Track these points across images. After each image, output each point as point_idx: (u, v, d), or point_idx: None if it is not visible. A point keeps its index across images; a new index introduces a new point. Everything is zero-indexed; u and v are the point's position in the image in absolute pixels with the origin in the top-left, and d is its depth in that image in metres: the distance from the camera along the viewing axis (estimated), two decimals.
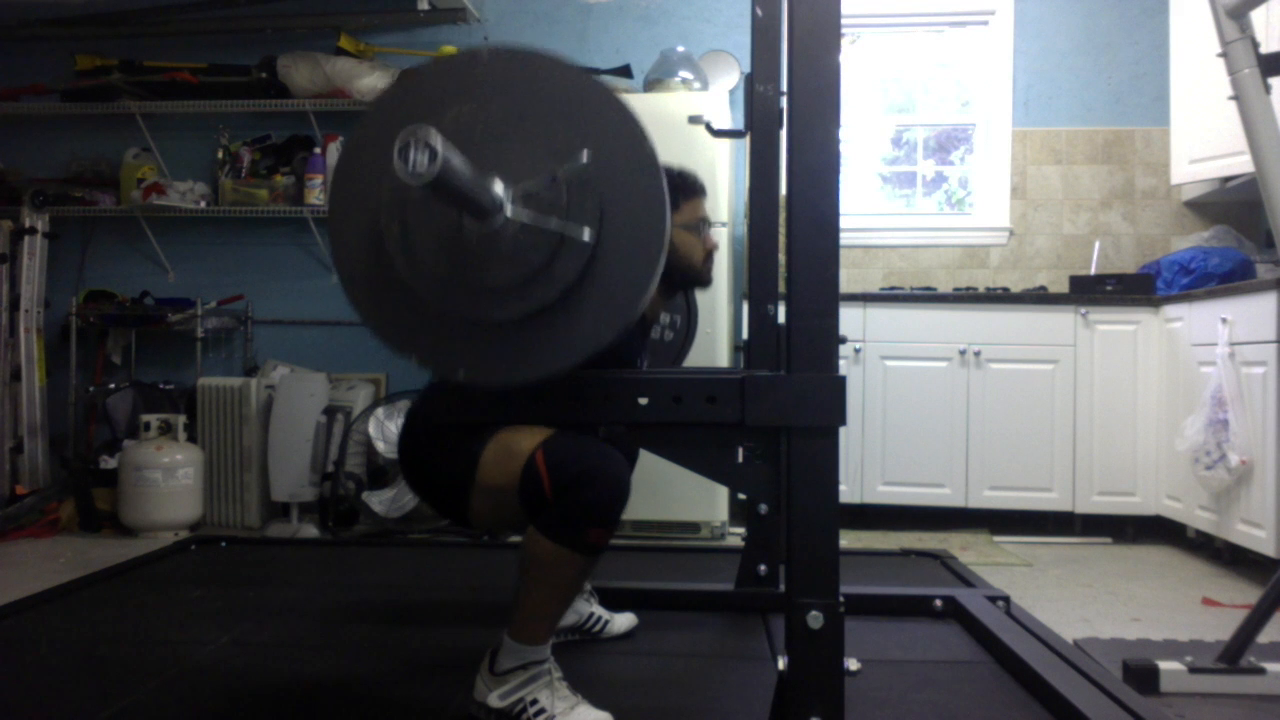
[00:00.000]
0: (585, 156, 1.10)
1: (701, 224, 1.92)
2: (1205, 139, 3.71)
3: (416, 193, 1.12)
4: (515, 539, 1.64)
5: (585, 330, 1.14)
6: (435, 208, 1.12)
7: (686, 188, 1.88)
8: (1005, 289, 3.86)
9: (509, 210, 1.09)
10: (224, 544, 3.14)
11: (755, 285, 2.20)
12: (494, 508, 1.64)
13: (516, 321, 1.14)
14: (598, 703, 1.58)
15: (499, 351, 1.15)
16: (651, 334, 2.16)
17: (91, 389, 4.19)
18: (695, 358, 3.40)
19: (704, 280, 1.96)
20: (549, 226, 1.10)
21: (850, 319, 3.63)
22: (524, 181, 1.11)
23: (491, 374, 1.17)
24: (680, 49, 3.93)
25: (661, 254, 1.13)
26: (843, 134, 1.19)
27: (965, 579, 2.60)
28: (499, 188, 1.09)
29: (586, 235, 1.10)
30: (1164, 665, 1.94)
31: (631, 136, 1.13)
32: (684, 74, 3.83)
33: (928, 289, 3.96)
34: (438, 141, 0.90)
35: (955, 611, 2.25)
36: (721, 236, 3.48)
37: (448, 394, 1.48)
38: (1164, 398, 3.47)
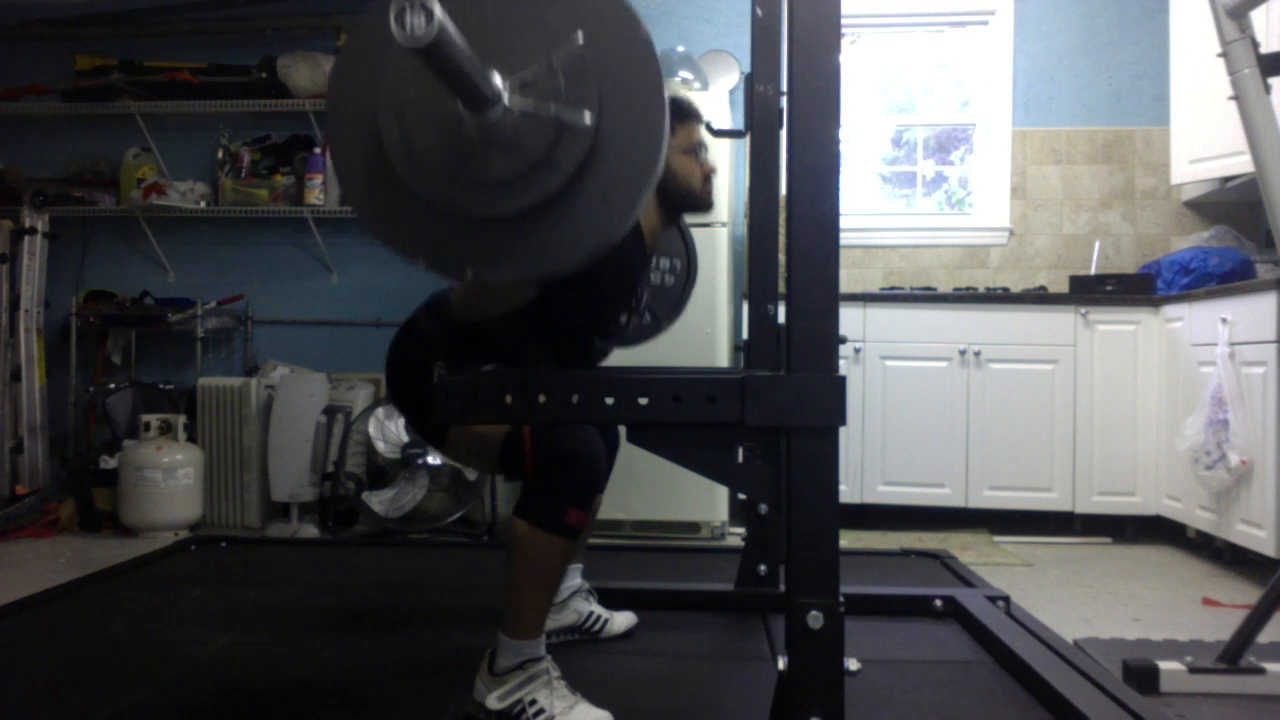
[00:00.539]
0: (580, 38, 1.10)
1: (698, 148, 1.90)
2: (1205, 139, 3.72)
3: (414, 91, 1.12)
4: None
5: (592, 222, 1.14)
6: (433, 103, 1.11)
7: (681, 112, 1.86)
8: (1005, 289, 3.86)
9: (506, 100, 1.09)
10: (224, 544, 3.14)
11: (755, 285, 2.20)
12: (471, 449, 1.70)
13: (521, 216, 1.13)
14: (598, 703, 1.59)
15: (505, 248, 1.15)
16: (653, 278, 2.16)
17: (91, 389, 4.19)
18: (695, 358, 3.41)
19: (704, 204, 1.94)
20: (549, 113, 1.09)
21: (850, 319, 3.63)
22: (521, 71, 1.11)
23: (499, 272, 1.16)
24: (680, 49, 3.93)
25: (663, 137, 1.13)
26: (843, 134, 1.19)
27: (965, 579, 2.60)
28: (496, 79, 1.09)
29: (587, 119, 1.09)
30: (1164, 665, 1.94)
31: (625, 20, 1.12)
32: (684, 74, 3.83)
33: (928, 289, 3.96)
34: (434, 2, 0.89)
35: (955, 611, 2.25)
36: (721, 236, 3.48)
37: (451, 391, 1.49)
38: (1164, 398, 3.47)
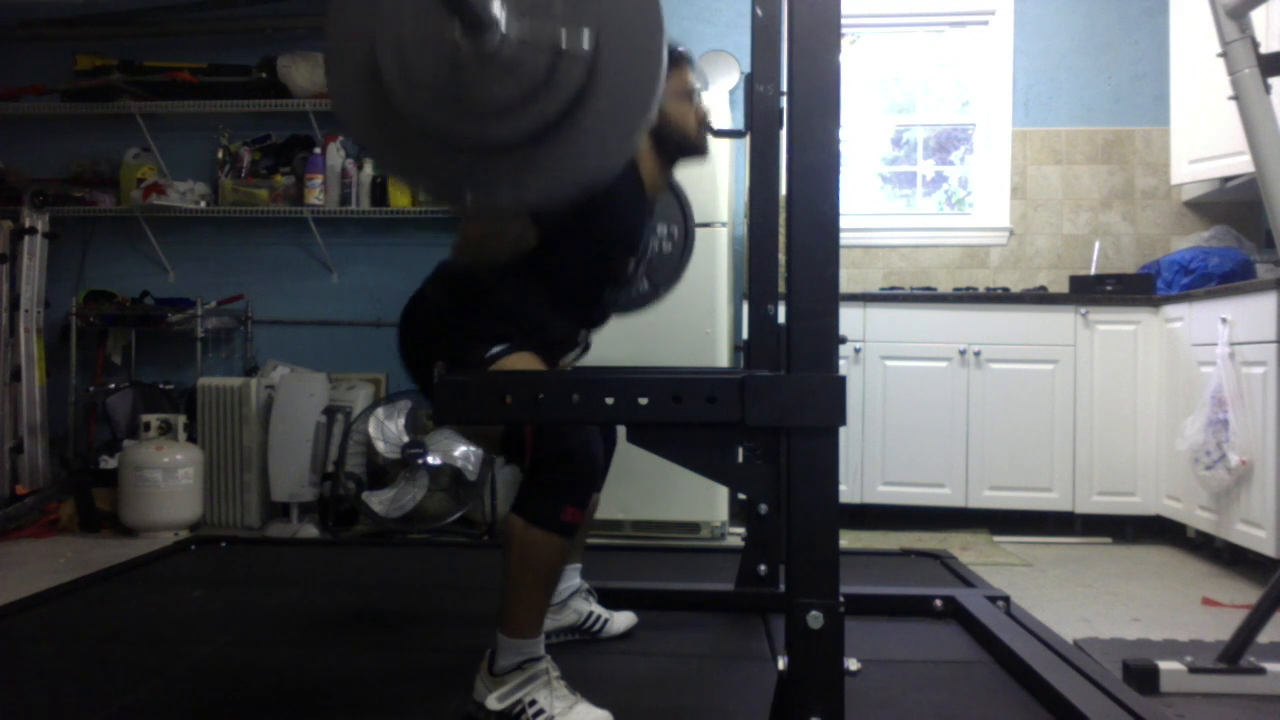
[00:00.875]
0: None
1: (692, 93, 1.89)
2: (1205, 139, 3.72)
3: (412, 20, 1.13)
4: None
5: (590, 149, 1.14)
6: (431, 30, 1.12)
7: (673, 57, 1.84)
8: (1005, 289, 3.86)
9: (504, 25, 1.09)
10: (224, 544, 3.14)
11: (755, 285, 2.20)
12: (479, 429, 1.73)
13: (520, 143, 1.14)
14: (598, 703, 1.59)
15: (504, 175, 1.15)
16: (651, 243, 2.16)
17: (91, 389, 4.19)
18: (695, 358, 3.41)
19: (700, 148, 1.93)
20: (547, 37, 1.09)
21: (850, 319, 3.63)
22: None
23: (499, 198, 1.17)
24: (680, 49, 3.92)
25: (661, 61, 1.13)
26: (843, 134, 1.19)
27: (965, 579, 2.60)
28: (495, 4, 1.09)
29: (586, 43, 1.09)
30: (1164, 665, 1.94)
31: None
32: None
33: (928, 289, 3.96)
34: None
35: (955, 611, 2.25)
36: (721, 236, 3.48)
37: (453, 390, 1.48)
38: (1164, 398, 3.47)
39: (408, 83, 1.13)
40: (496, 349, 1.62)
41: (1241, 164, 3.47)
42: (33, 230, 4.01)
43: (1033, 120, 4.19)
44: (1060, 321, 3.60)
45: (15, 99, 4.33)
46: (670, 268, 2.24)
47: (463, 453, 3.57)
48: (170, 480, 3.58)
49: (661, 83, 1.13)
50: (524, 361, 1.63)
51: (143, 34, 4.35)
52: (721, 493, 3.52)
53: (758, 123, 2.14)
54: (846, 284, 4.07)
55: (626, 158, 1.16)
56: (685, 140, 1.89)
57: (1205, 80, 3.62)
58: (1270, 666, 1.93)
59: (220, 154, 4.27)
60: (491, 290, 1.67)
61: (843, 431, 1.20)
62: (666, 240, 2.23)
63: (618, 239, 1.80)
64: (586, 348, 1.94)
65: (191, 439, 3.80)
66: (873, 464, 3.67)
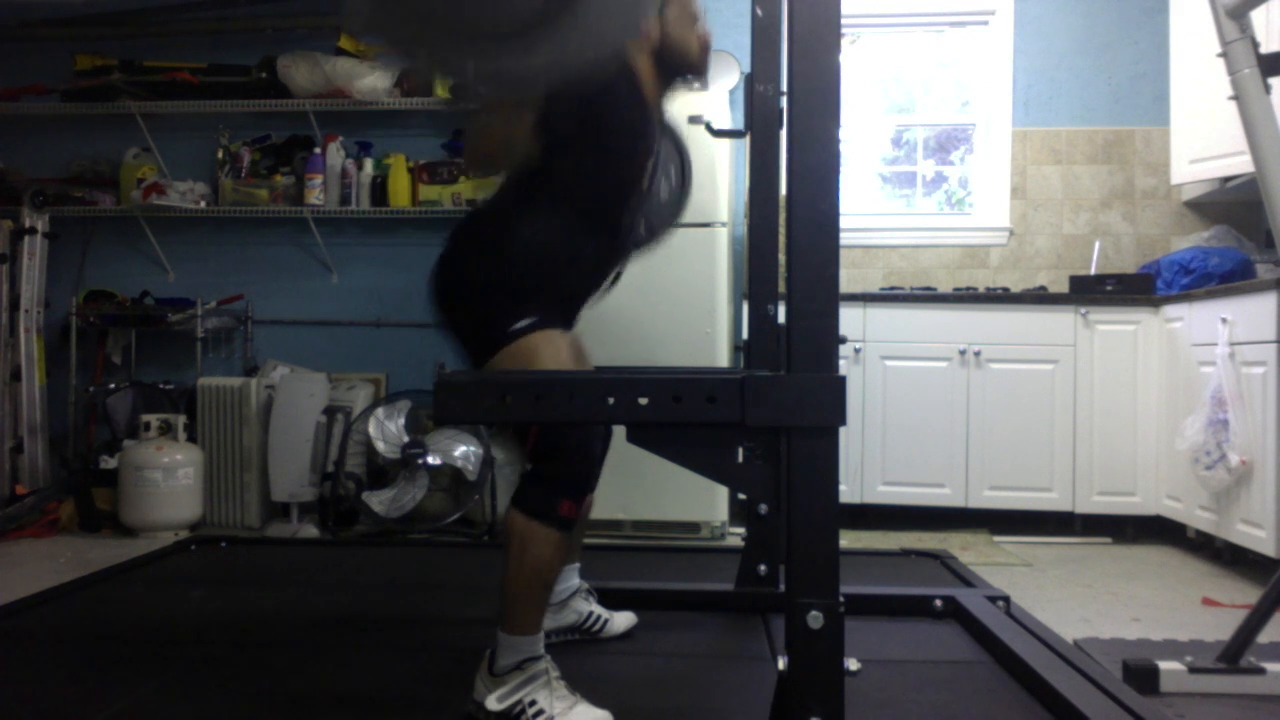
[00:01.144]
0: None
1: (695, 16, 1.88)
2: (1205, 139, 3.72)
3: None
4: None
5: (592, 29, 1.15)
6: None
7: None
8: (1005, 289, 3.86)
9: None
10: (224, 544, 3.14)
11: (755, 285, 2.20)
12: None
13: (524, 24, 1.15)
14: (598, 703, 1.59)
15: (509, 52, 1.17)
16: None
17: (91, 389, 4.19)
18: (695, 358, 3.41)
19: (701, 68, 1.92)
20: None
21: (850, 319, 3.63)
22: None
23: (502, 71, 1.18)
24: None
25: None
26: (843, 134, 1.19)
27: (965, 579, 2.60)
28: None
29: None
30: (1164, 665, 1.94)
31: None
32: None
33: (928, 289, 3.96)
34: None
35: (955, 611, 2.25)
36: (721, 236, 3.48)
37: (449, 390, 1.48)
38: (1164, 398, 3.47)
39: None
40: (522, 323, 1.60)
41: (1241, 164, 3.47)
42: (33, 230, 4.01)
43: (1033, 120, 4.19)
44: (1060, 321, 3.60)
45: (15, 99, 4.32)
46: (669, 210, 2.23)
47: (463, 453, 3.57)
48: (170, 480, 3.58)
49: None
50: (549, 340, 1.62)
51: (143, 34, 4.34)
52: (721, 493, 3.52)
53: (758, 123, 2.14)
54: (846, 284, 4.07)
55: (626, 39, 1.17)
56: (687, 60, 1.87)
57: (1205, 80, 3.62)
58: (1270, 666, 1.93)
59: (220, 154, 4.27)
60: (516, 233, 1.66)
61: (843, 431, 1.20)
62: (664, 183, 2.22)
63: (627, 136, 1.78)
64: (617, 278, 1.92)
65: (191, 439, 3.80)
66: (873, 464, 3.67)
